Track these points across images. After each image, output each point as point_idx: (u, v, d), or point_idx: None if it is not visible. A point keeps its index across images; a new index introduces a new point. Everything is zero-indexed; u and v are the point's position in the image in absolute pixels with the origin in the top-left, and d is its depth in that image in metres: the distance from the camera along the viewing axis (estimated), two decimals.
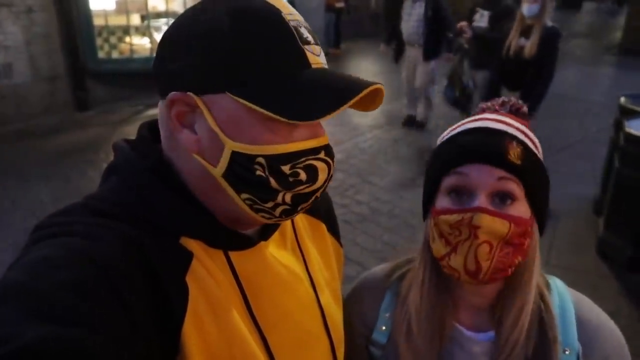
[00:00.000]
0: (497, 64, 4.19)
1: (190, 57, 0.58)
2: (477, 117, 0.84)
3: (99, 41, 6.83)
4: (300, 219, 0.79)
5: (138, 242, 0.56)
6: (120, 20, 7.01)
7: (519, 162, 0.75)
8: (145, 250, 0.56)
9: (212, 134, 0.59)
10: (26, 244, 0.56)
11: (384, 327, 0.88)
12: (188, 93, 0.58)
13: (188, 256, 0.60)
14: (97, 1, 6.67)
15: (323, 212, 0.84)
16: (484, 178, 0.75)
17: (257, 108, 0.55)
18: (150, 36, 7.11)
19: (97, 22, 6.76)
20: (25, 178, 4.69)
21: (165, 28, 0.64)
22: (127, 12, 7.00)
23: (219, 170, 0.59)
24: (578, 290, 0.88)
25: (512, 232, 0.74)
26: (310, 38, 0.61)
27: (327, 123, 0.62)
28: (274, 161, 0.58)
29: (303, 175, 0.60)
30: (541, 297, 0.82)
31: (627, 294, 3.05)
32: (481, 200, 0.75)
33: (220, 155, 0.59)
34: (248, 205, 0.61)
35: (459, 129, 0.83)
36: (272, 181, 0.59)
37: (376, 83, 0.58)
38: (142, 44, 7.13)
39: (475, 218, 0.74)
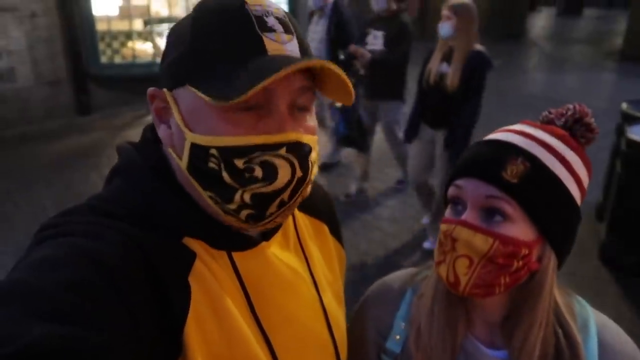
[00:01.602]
0: (417, 94, 3.42)
1: (166, 56, 0.63)
2: (511, 127, 0.81)
3: (101, 46, 6.86)
4: (303, 220, 0.79)
5: (140, 242, 0.56)
6: (123, 25, 7.04)
7: (515, 180, 0.72)
8: (147, 250, 0.56)
9: (178, 127, 0.60)
10: (30, 244, 0.56)
11: (398, 337, 0.86)
12: (163, 89, 0.62)
13: (191, 256, 0.60)
14: (100, 6, 6.71)
15: (325, 213, 0.84)
16: (474, 193, 0.75)
17: (198, 93, 0.56)
18: (153, 41, 7.14)
19: (100, 27, 6.79)
20: (28, 182, 4.70)
21: (167, 33, 0.66)
22: (130, 17, 7.03)
23: (184, 163, 0.60)
24: (580, 295, 0.87)
25: (496, 251, 0.72)
26: (276, 26, 0.58)
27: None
28: (227, 154, 0.56)
29: (259, 172, 0.57)
30: (559, 321, 0.79)
31: (629, 299, 3.04)
32: (468, 214, 0.75)
33: (184, 148, 0.60)
34: (215, 204, 0.60)
35: (485, 137, 0.81)
36: (225, 175, 0.57)
37: (311, 60, 0.55)
38: (145, 49, 7.16)
39: (455, 230, 0.74)
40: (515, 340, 0.77)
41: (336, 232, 0.86)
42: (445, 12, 3.10)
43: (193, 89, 0.57)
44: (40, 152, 5.51)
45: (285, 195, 0.59)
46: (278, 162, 0.57)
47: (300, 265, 0.73)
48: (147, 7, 7.11)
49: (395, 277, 0.95)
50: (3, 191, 4.49)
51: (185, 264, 0.59)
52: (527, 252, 0.73)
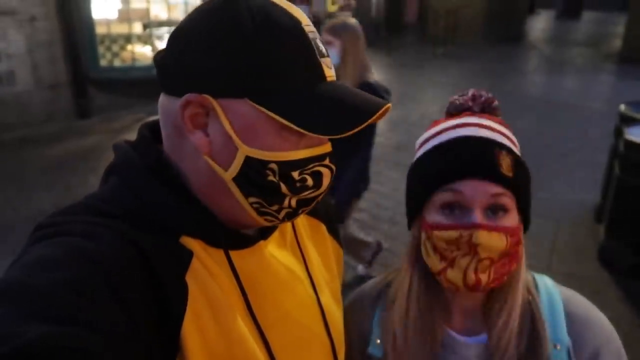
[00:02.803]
0: None
1: (209, 59, 0.58)
2: (458, 120, 0.81)
3: (101, 49, 6.87)
4: (300, 219, 0.79)
5: (137, 241, 0.56)
6: (123, 29, 7.05)
7: (511, 174, 0.75)
8: (144, 249, 0.56)
9: (226, 137, 0.59)
10: (26, 243, 0.56)
11: (378, 341, 0.87)
12: (205, 95, 0.58)
13: (188, 255, 0.60)
14: (99, 10, 6.72)
15: (322, 212, 0.85)
16: (479, 195, 0.74)
17: (279, 118, 0.57)
18: (152, 44, 7.15)
19: (100, 30, 6.80)
20: (27, 185, 4.70)
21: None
22: (129, 21, 7.04)
23: (229, 173, 0.60)
24: None
25: (509, 244, 0.75)
26: (325, 51, 0.63)
27: None
28: (286, 167, 0.60)
29: (310, 181, 0.63)
30: (529, 295, 0.83)
31: (628, 301, 3.04)
32: (477, 217, 0.74)
33: (232, 159, 0.60)
34: (254, 209, 0.62)
35: (443, 137, 0.80)
36: (283, 186, 0.61)
37: (386, 102, 0.61)
38: (144, 52, 7.17)
39: (474, 236, 0.73)
40: (499, 321, 0.79)
41: (334, 231, 0.87)
42: (325, 36, 2.50)
43: (257, 106, 0.57)
44: (40, 155, 5.50)
45: (321, 197, 0.67)
46: (323, 170, 0.64)
47: (297, 265, 0.74)
48: (147, 11, 7.11)
49: (370, 284, 0.97)
50: (2, 194, 4.49)
51: (182, 263, 0.59)
52: (520, 235, 0.78)
